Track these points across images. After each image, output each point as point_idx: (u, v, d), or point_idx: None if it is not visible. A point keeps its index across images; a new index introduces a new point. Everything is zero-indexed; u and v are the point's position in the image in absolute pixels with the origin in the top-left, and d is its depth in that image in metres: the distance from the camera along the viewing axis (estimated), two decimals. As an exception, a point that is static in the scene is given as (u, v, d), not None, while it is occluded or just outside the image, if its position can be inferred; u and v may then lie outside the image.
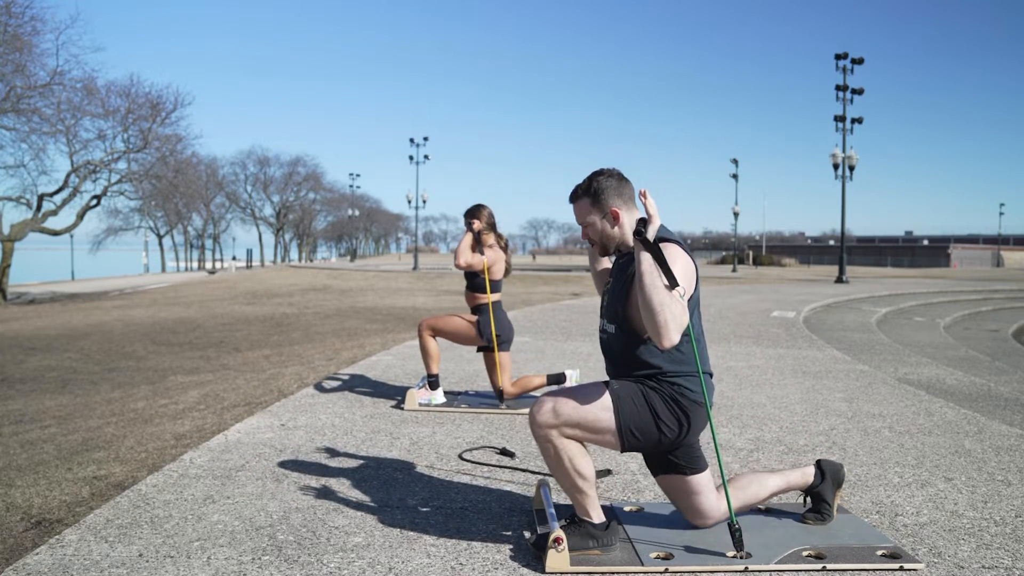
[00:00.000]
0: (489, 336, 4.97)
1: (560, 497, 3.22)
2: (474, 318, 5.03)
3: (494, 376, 5.04)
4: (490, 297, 4.98)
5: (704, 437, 4.30)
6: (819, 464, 2.95)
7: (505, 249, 5.12)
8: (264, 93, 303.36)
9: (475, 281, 5.03)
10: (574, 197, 2.73)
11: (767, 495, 2.88)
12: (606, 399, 2.57)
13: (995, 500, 3.29)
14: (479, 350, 5.13)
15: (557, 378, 5.16)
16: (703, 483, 2.73)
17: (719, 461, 2.62)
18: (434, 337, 5.07)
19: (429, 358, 5.04)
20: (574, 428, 2.55)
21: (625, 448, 2.60)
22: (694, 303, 2.62)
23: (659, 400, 2.59)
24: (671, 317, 2.35)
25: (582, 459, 2.57)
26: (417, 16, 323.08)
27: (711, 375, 2.72)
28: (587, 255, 3.08)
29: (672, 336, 2.35)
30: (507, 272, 5.11)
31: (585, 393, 2.58)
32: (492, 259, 4.98)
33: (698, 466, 2.72)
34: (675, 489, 2.76)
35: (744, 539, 2.59)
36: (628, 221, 2.68)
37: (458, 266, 4.90)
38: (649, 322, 2.38)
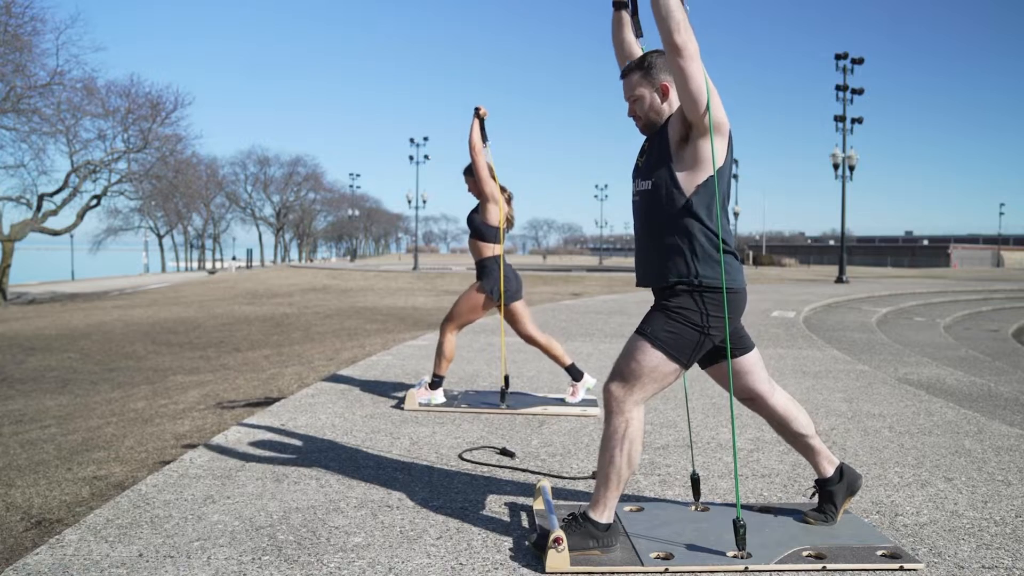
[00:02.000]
0: (498, 292, 4.90)
1: (562, 493, 3.22)
2: (478, 284, 4.98)
3: (518, 327, 5.01)
4: (501, 248, 4.92)
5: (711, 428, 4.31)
6: (842, 465, 2.95)
7: (509, 202, 5.08)
8: (264, 93, 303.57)
9: (477, 224, 4.95)
10: (626, 72, 2.75)
11: (800, 430, 2.86)
12: (644, 343, 2.61)
13: (995, 500, 3.29)
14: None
15: (576, 372, 5.13)
16: (751, 363, 2.79)
17: (734, 446, 2.61)
18: (454, 334, 5.03)
19: (442, 358, 5.00)
20: (643, 385, 2.59)
21: (689, 365, 2.66)
22: (727, 169, 2.64)
23: (689, 310, 2.60)
24: (684, 19, 2.39)
25: (639, 448, 2.62)
26: (417, 16, 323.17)
27: (736, 256, 2.73)
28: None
29: (682, 32, 2.39)
30: (510, 225, 5.08)
31: (627, 352, 2.64)
32: (495, 195, 4.90)
33: (744, 345, 2.79)
34: (726, 374, 2.79)
35: (744, 539, 2.59)
36: (676, 99, 2.69)
37: (470, 145, 4.82)
38: (658, 16, 2.40)
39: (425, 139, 42.27)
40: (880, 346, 9.59)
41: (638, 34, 3.02)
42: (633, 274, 3.08)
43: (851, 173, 27.34)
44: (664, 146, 2.65)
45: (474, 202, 5.09)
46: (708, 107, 2.48)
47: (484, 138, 4.91)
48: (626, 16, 3.00)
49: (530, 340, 5.05)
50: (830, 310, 15.16)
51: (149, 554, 2.60)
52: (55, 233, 33.66)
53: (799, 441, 2.90)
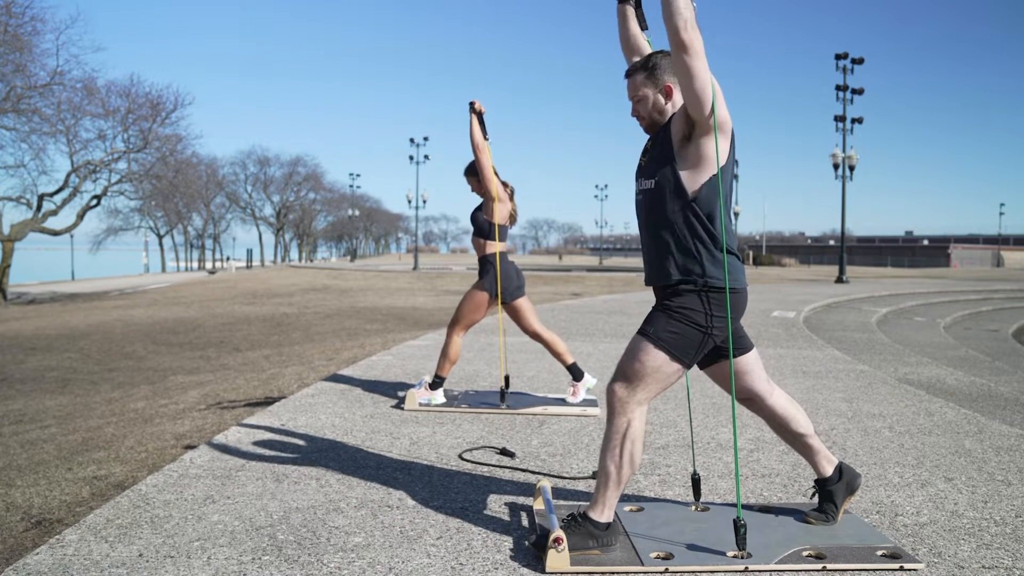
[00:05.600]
0: (495, 291, 4.89)
1: (562, 493, 3.23)
2: (480, 282, 4.95)
3: (523, 323, 5.00)
4: (497, 246, 4.91)
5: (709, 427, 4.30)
6: (840, 464, 2.95)
7: (512, 197, 5.07)
8: (264, 93, 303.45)
9: (480, 222, 4.95)
10: (630, 72, 2.76)
11: (799, 430, 2.88)
12: (647, 343, 2.61)
13: (995, 500, 3.29)
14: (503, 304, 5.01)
15: (577, 372, 5.13)
16: (750, 363, 2.80)
17: (735, 446, 2.61)
18: (460, 336, 5.00)
19: (446, 359, 4.98)
20: (646, 385, 2.60)
21: (691, 365, 2.66)
22: (729, 167, 2.63)
23: (691, 310, 2.61)
24: (691, 17, 2.38)
25: (640, 448, 2.62)
26: (417, 16, 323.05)
27: (739, 256, 2.73)
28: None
29: (689, 30, 2.37)
30: (513, 220, 5.07)
31: (630, 352, 2.64)
32: (500, 194, 4.90)
33: (744, 345, 2.80)
34: (725, 374, 2.80)
35: (745, 538, 2.59)
36: (679, 99, 2.68)
37: (473, 143, 4.77)
38: (666, 13, 2.39)
39: (425, 139, 42.27)
40: (880, 346, 9.59)
41: (643, 27, 3.01)
42: (634, 274, 3.08)
43: (851, 173, 27.35)
44: (667, 145, 2.64)
45: (477, 200, 5.09)
46: (713, 105, 2.48)
47: (484, 134, 4.86)
48: (630, 10, 2.99)
49: (535, 336, 5.03)
50: (830, 310, 15.16)
51: (149, 554, 2.60)
52: (55, 233, 33.66)
53: (799, 441, 2.91)
